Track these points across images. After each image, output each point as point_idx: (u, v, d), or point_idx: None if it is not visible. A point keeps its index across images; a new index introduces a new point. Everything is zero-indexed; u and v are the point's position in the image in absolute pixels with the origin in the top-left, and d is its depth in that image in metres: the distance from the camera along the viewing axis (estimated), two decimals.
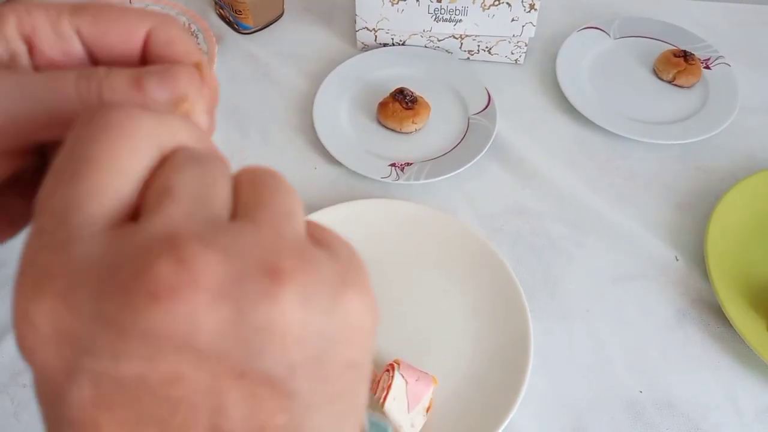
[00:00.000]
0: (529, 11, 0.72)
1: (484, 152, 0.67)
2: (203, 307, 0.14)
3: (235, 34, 0.81)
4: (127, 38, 0.21)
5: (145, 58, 0.21)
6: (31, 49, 0.20)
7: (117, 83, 0.19)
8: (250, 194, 0.17)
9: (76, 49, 0.20)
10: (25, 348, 0.14)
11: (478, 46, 0.77)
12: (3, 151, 0.19)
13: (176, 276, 0.13)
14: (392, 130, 0.70)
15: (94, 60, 0.21)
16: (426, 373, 0.50)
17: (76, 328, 0.14)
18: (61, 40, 0.20)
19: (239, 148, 0.69)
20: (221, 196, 0.16)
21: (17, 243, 0.55)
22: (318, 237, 0.17)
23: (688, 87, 0.76)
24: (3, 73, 0.18)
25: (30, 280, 0.14)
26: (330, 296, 0.15)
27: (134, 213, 0.16)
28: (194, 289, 0.13)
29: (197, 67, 0.21)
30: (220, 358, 0.14)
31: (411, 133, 0.70)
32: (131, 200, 0.15)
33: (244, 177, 0.18)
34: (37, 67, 0.20)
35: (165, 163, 0.16)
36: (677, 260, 0.62)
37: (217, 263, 0.14)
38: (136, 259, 0.14)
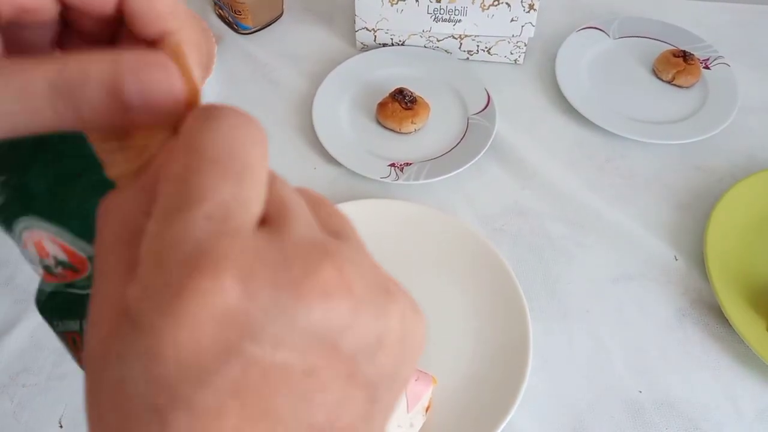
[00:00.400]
0: (529, 11, 0.72)
1: (483, 152, 0.67)
2: (351, 312, 0.15)
3: (235, 34, 0.81)
4: None
5: (122, 8, 0.19)
6: None
7: (95, 100, 0.17)
8: (331, 225, 0.19)
9: None
10: (180, 324, 0.14)
11: (478, 46, 0.77)
12: None
13: (337, 279, 0.15)
14: (392, 130, 0.70)
15: (62, 2, 0.19)
16: (425, 373, 0.50)
17: (249, 312, 0.14)
18: None
19: None
20: (325, 218, 0.18)
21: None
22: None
23: (687, 87, 0.76)
24: None
25: (212, 258, 0.14)
26: (414, 312, 0.18)
27: (262, 221, 0.17)
28: (349, 294, 0.15)
29: (176, 51, 0.19)
30: (346, 359, 0.15)
31: (410, 133, 0.70)
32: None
33: (321, 210, 0.19)
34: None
35: (270, 181, 0.18)
36: (677, 260, 0.62)
37: (360, 277, 0.16)
38: (303, 261, 0.15)
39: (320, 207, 0.19)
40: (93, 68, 0.16)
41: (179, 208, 0.15)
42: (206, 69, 0.19)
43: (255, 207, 0.16)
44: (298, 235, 0.16)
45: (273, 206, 0.17)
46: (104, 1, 0.19)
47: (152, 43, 0.19)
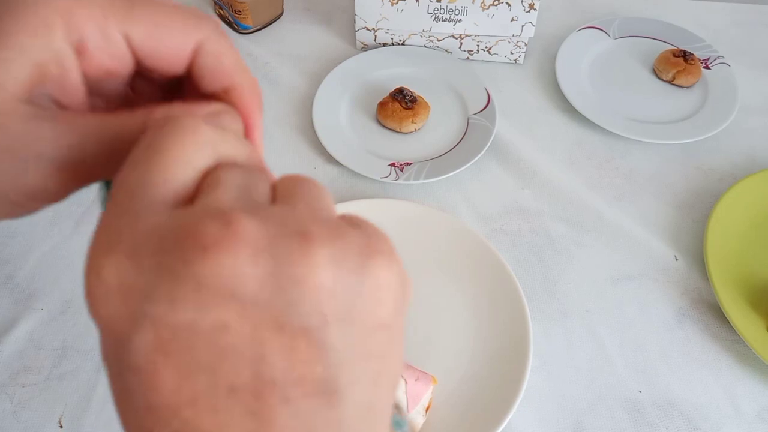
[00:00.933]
0: (529, 11, 0.71)
1: (483, 152, 0.67)
2: (245, 259, 0.16)
3: (235, 33, 0.81)
4: (177, 50, 0.21)
5: (192, 66, 0.22)
6: (79, 53, 0.20)
7: None
8: (287, 190, 0.19)
9: (124, 53, 0.21)
10: (93, 302, 0.16)
11: (478, 45, 0.77)
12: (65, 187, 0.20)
13: (222, 232, 0.15)
14: (392, 129, 0.70)
15: (139, 62, 0.22)
16: (425, 373, 0.50)
17: (139, 279, 0.16)
18: (111, 45, 0.20)
19: None
20: (262, 191, 0.19)
21: (18, 243, 0.55)
22: (348, 219, 0.19)
23: (687, 87, 0.76)
24: (64, 117, 0.20)
25: (103, 240, 0.16)
26: (358, 258, 0.17)
27: (192, 200, 0.18)
28: (237, 243, 0.16)
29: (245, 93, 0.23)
30: (262, 310, 0.16)
31: (410, 132, 0.70)
32: (190, 189, 0.18)
33: (282, 181, 0.20)
34: (86, 73, 0.21)
35: (218, 167, 0.19)
36: (677, 260, 0.62)
37: (258, 226, 0.16)
38: (189, 223, 0.16)
39: (288, 184, 0.20)
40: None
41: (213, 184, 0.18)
42: (261, 109, 0.23)
43: (162, 185, 0.17)
44: (207, 203, 0.17)
45: (206, 184, 0.18)
46: (176, 63, 0.22)
47: (214, 94, 0.22)
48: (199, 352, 0.15)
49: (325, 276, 0.16)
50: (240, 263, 0.15)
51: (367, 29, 0.76)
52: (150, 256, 0.16)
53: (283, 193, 0.19)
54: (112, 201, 0.17)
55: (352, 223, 0.19)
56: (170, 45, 0.21)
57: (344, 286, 0.17)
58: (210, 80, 0.22)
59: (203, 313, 0.15)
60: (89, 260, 0.16)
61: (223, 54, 0.22)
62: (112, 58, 0.21)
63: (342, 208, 0.61)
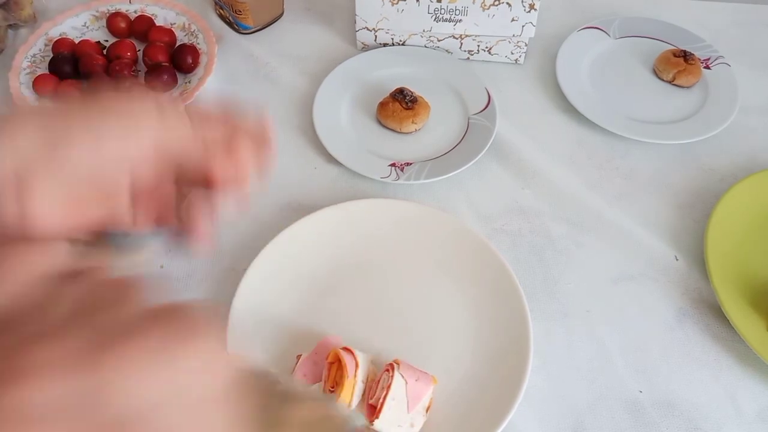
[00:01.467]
0: (529, 11, 0.71)
1: (484, 152, 0.67)
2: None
3: (235, 34, 0.81)
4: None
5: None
6: None
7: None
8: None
9: None
10: None
11: (478, 46, 0.77)
12: None
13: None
14: (392, 129, 0.70)
15: None
16: (426, 373, 0.50)
17: None
18: None
19: None
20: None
21: None
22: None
23: (688, 87, 0.76)
24: None
25: None
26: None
27: None
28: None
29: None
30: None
31: (411, 132, 0.70)
32: None
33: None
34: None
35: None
36: (677, 260, 0.62)
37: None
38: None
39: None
40: None
41: None
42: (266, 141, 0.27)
43: None
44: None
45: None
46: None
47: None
48: None
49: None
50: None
51: (368, 29, 0.76)
52: None
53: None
54: None
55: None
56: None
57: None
58: (210, 166, 0.27)
59: None
60: None
61: (189, 153, 0.26)
62: None
63: (343, 209, 0.61)
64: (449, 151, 0.69)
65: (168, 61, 0.73)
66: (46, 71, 0.72)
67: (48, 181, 0.22)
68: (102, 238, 0.26)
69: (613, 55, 0.80)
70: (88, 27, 0.79)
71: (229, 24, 0.81)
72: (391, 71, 0.76)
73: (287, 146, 0.70)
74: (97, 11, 0.79)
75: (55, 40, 0.75)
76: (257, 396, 0.23)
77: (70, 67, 0.71)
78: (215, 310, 0.21)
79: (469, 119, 0.71)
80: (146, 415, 0.18)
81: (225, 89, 0.75)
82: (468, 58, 0.79)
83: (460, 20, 0.73)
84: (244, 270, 0.56)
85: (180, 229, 0.29)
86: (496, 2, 0.71)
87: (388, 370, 0.49)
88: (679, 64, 0.75)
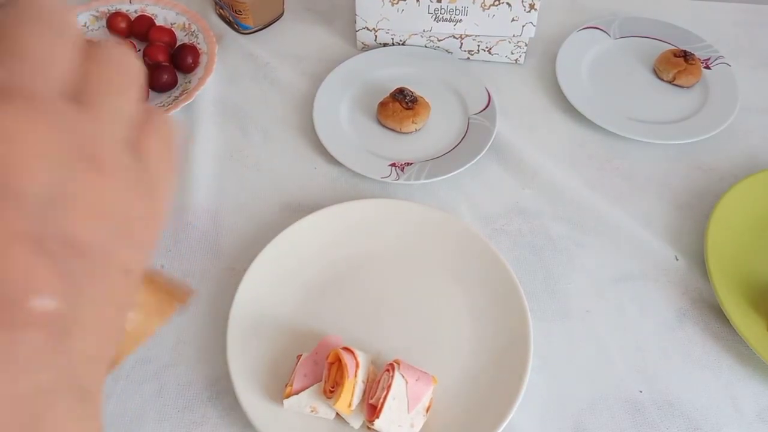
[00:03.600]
0: (529, 11, 0.71)
1: (484, 152, 0.67)
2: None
3: (235, 34, 0.81)
4: None
5: None
6: None
7: None
8: (94, 82, 0.18)
9: None
10: None
11: (478, 46, 0.77)
12: None
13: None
14: (392, 129, 0.70)
15: None
16: (426, 373, 0.50)
17: None
18: None
19: (239, 147, 0.69)
20: (64, 68, 0.18)
21: None
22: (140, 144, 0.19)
23: (688, 87, 0.76)
24: None
25: None
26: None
27: None
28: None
29: None
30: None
31: (411, 132, 0.70)
32: None
33: (97, 54, 0.19)
34: None
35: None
36: (677, 260, 0.62)
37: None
38: None
39: (100, 69, 0.19)
40: None
41: None
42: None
43: None
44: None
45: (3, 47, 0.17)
46: None
47: None
48: None
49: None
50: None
51: (368, 29, 0.77)
52: None
53: (89, 87, 0.18)
54: None
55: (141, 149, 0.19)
56: None
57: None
58: None
59: None
60: None
61: None
62: None
63: (343, 209, 0.61)
64: (449, 151, 0.69)
65: (168, 61, 0.73)
66: None
67: None
68: None
69: (614, 55, 0.80)
70: (88, 27, 0.79)
71: (229, 24, 0.81)
72: (391, 71, 0.76)
73: (287, 146, 0.70)
74: (98, 11, 0.79)
75: None
76: None
77: None
78: None
79: (469, 119, 0.71)
80: None
81: (225, 89, 0.75)
82: (468, 58, 0.79)
83: (460, 20, 0.73)
84: (244, 270, 0.56)
85: None
86: (497, 2, 0.71)
87: (388, 370, 0.49)
88: (680, 64, 0.75)
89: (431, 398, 0.50)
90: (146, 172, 0.19)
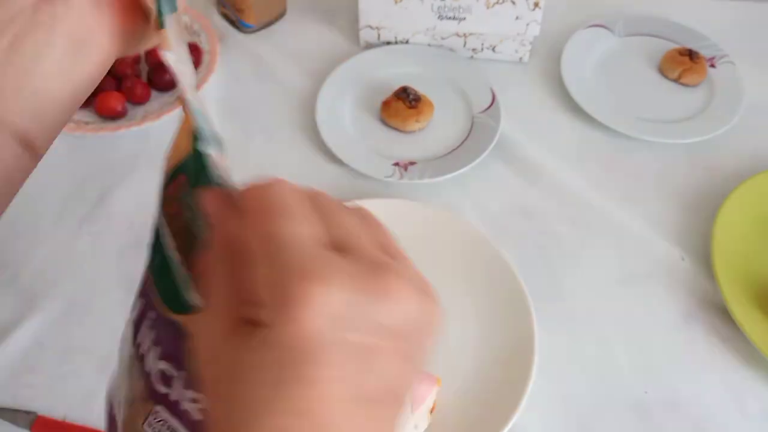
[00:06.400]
0: (534, 9, 0.71)
1: (488, 151, 0.67)
2: (404, 306, 0.21)
3: (238, 32, 0.80)
4: None
5: None
6: None
7: None
8: (374, 233, 0.23)
9: None
10: (304, 317, 0.18)
11: (482, 44, 0.76)
12: None
13: (396, 286, 0.21)
14: (396, 129, 0.70)
15: None
16: (429, 374, 0.50)
17: (343, 311, 0.19)
18: None
19: (242, 146, 0.69)
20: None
21: (22, 243, 0.54)
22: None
23: (693, 86, 0.75)
24: None
25: (318, 273, 0.19)
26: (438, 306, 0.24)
27: None
28: (401, 295, 0.21)
29: None
30: (400, 339, 0.21)
31: (414, 132, 0.70)
32: None
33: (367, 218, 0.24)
34: None
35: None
36: (683, 260, 0.62)
37: (407, 283, 0.21)
38: (373, 273, 0.20)
39: (373, 228, 0.23)
40: None
41: (278, 248, 0.20)
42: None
43: (324, 238, 0.20)
44: (369, 255, 0.21)
45: (342, 237, 0.21)
46: None
47: None
48: (356, 364, 0.19)
49: (429, 320, 0.23)
50: (401, 308, 0.20)
51: (371, 27, 0.76)
52: (353, 293, 0.19)
53: (380, 243, 0.23)
54: (291, 248, 0.20)
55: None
56: None
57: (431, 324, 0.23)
58: None
59: (369, 338, 0.20)
60: (303, 286, 0.19)
61: None
62: None
63: None
64: (453, 151, 0.68)
65: None
66: None
67: None
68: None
69: (619, 54, 0.79)
70: None
71: (232, 23, 0.81)
72: (394, 70, 0.75)
73: (290, 145, 0.70)
74: None
75: None
76: None
77: None
78: None
79: (473, 118, 0.71)
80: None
81: (227, 88, 0.74)
82: (472, 57, 0.78)
83: (464, 18, 0.73)
84: None
85: None
86: (501, 0, 0.71)
87: None
88: (685, 62, 0.74)
89: (435, 399, 0.50)
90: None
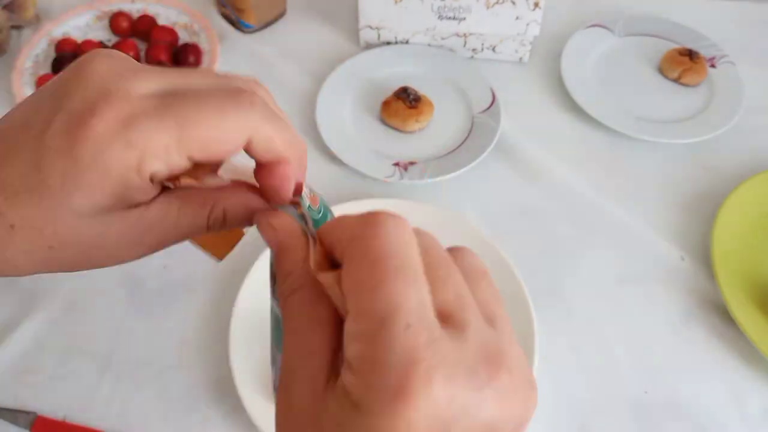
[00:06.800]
0: (534, 9, 0.71)
1: (488, 151, 0.67)
2: (511, 405, 0.20)
3: (238, 32, 0.80)
4: (232, 148, 0.23)
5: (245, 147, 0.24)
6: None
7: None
8: (481, 293, 0.21)
9: (186, 165, 0.23)
10: (401, 416, 0.17)
11: (482, 44, 0.76)
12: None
13: (508, 385, 0.19)
14: (396, 129, 0.70)
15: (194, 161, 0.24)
16: None
17: (449, 411, 0.18)
18: (174, 167, 0.23)
19: None
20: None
21: None
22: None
23: (693, 86, 0.75)
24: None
25: (422, 366, 0.17)
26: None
27: None
28: (515, 396, 0.20)
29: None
30: None
31: (414, 132, 0.70)
32: None
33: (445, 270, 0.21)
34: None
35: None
36: (683, 260, 0.62)
37: (520, 377, 0.20)
38: (485, 366, 0.19)
39: (477, 282, 0.21)
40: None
41: (383, 319, 0.18)
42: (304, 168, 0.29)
43: (431, 305, 0.19)
44: (477, 338, 0.19)
45: (450, 303, 0.19)
46: (230, 154, 0.24)
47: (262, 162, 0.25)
48: None
49: (530, 416, 0.21)
50: (510, 409, 0.19)
51: (371, 27, 0.76)
52: (460, 390, 0.18)
53: (487, 310, 0.21)
54: (398, 323, 0.18)
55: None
56: (225, 148, 0.23)
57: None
58: (261, 156, 0.25)
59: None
60: (406, 380, 0.17)
61: (273, 138, 0.24)
62: (175, 170, 0.23)
63: (346, 209, 0.61)
64: (453, 151, 0.68)
65: (170, 60, 0.73)
66: (49, 71, 0.72)
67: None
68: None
69: (619, 54, 0.79)
70: (90, 27, 0.78)
71: (232, 23, 0.81)
72: (394, 70, 0.75)
73: None
74: (100, 11, 0.79)
75: (57, 40, 0.75)
76: None
77: None
78: None
79: (473, 118, 0.71)
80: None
81: None
82: (472, 57, 0.78)
83: (464, 18, 0.73)
84: (247, 270, 0.56)
85: None
86: (501, 0, 0.71)
87: None
88: (685, 62, 0.74)
89: None
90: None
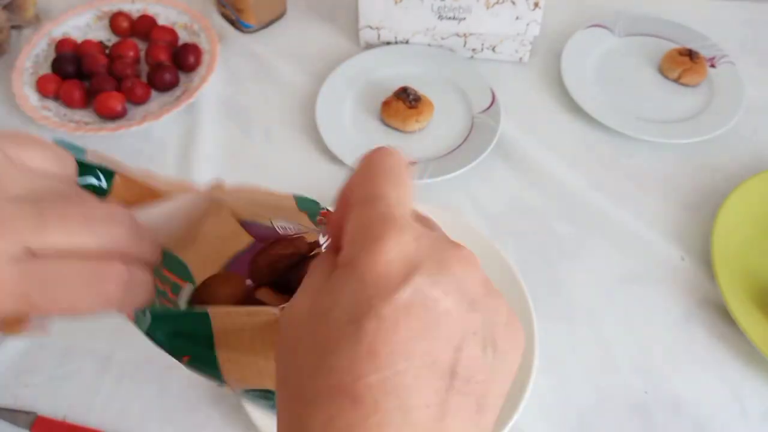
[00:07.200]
0: (534, 9, 0.71)
1: (488, 151, 0.67)
2: (469, 272, 0.23)
3: (238, 32, 0.80)
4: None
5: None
6: None
7: None
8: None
9: None
10: (380, 258, 0.21)
11: (482, 44, 0.76)
12: None
13: (468, 258, 0.23)
14: (396, 129, 0.70)
15: None
16: None
17: (420, 259, 0.21)
18: None
19: (242, 146, 0.69)
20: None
21: None
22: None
23: (693, 86, 0.75)
24: None
25: (398, 222, 0.22)
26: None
27: None
28: (472, 265, 0.23)
29: None
30: (471, 309, 0.22)
31: (414, 132, 0.70)
32: None
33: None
34: None
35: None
36: (683, 260, 0.62)
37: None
38: (447, 245, 0.23)
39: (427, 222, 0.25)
40: None
41: (370, 201, 0.22)
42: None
43: (410, 206, 0.23)
44: (439, 233, 0.23)
45: (423, 220, 0.24)
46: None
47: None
48: (426, 323, 0.20)
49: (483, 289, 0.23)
50: (468, 274, 0.22)
51: (371, 27, 0.76)
52: (428, 249, 0.21)
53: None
54: (380, 201, 0.22)
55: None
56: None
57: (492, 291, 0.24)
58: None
59: (444, 297, 0.21)
60: (384, 230, 0.21)
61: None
62: None
63: None
64: (453, 151, 0.68)
65: (170, 60, 0.73)
66: (49, 71, 0.72)
67: None
68: None
69: (619, 54, 0.79)
70: (90, 27, 0.78)
71: (232, 23, 0.81)
72: (394, 70, 0.75)
73: (290, 145, 0.70)
74: (100, 11, 0.79)
75: (57, 40, 0.75)
76: None
77: (73, 67, 0.71)
78: None
79: (473, 118, 0.71)
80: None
81: (227, 88, 0.74)
82: (472, 57, 0.78)
83: (464, 18, 0.73)
84: None
85: None
86: (501, 0, 0.71)
87: None
88: (685, 62, 0.74)
89: None
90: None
